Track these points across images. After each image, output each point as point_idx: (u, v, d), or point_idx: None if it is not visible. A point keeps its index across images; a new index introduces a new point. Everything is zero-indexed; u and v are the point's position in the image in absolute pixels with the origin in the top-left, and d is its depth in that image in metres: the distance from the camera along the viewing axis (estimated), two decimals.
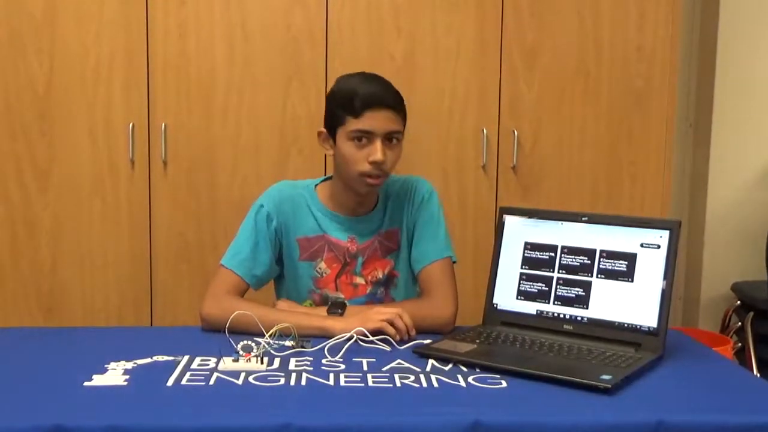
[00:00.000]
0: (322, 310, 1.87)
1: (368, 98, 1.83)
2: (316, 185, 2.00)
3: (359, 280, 1.96)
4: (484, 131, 2.94)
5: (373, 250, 1.97)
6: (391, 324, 1.73)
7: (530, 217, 1.84)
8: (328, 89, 2.83)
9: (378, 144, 1.84)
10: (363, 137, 1.83)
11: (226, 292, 1.88)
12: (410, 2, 2.88)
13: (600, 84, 2.98)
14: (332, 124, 1.88)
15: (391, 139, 1.85)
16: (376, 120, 1.83)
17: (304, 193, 1.97)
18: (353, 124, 1.83)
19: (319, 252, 1.95)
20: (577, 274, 1.75)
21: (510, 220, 1.86)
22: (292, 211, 1.94)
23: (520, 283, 1.81)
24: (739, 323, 3.36)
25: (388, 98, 1.85)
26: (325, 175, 2.72)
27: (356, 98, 1.82)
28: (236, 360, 1.55)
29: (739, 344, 3.30)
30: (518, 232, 1.84)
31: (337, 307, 1.86)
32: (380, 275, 1.98)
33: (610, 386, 1.41)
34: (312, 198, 1.96)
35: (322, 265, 1.95)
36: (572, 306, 1.74)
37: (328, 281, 1.96)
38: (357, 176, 1.86)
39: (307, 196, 1.97)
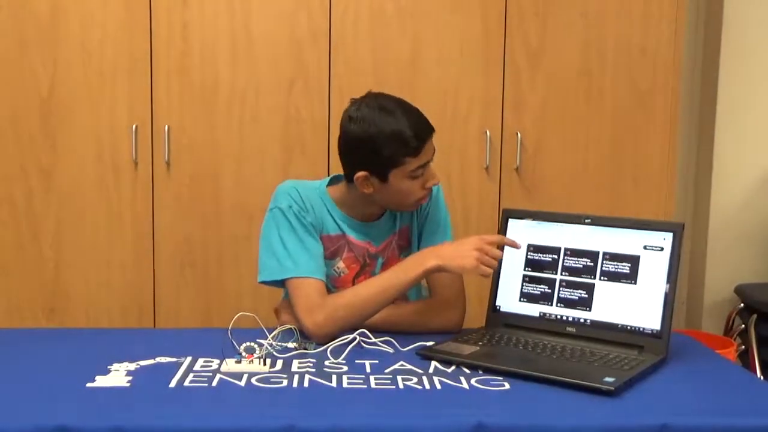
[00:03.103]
0: None
1: (422, 134, 1.79)
2: (325, 187, 1.98)
3: None
4: (488, 133, 2.94)
5: (391, 250, 1.97)
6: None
7: (533, 219, 1.84)
8: (332, 93, 2.88)
9: (432, 169, 1.85)
10: (421, 170, 1.82)
11: (319, 298, 1.79)
12: (414, 4, 2.88)
13: (604, 86, 2.98)
14: (382, 166, 1.80)
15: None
16: (429, 149, 1.83)
17: (318, 193, 1.94)
18: (414, 163, 1.79)
19: (339, 251, 1.93)
20: (580, 277, 1.75)
21: (513, 222, 1.86)
22: (313, 209, 1.90)
23: (522, 285, 1.81)
24: (743, 326, 3.35)
25: (429, 123, 1.84)
26: (328, 175, 2.72)
27: (412, 138, 1.77)
28: (239, 361, 1.55)
29: (743, 347, 3.29)
30: (521, 234, 1.84)
31: None
32: None
33: (613, 389, 1.41)
34: (327, 200, 1.94)
35: (341, 264, 1.93)
36: (575, 308, 1.74)
37: (345, 281, 1.94)
38: (413, 203, 1.87)
39: (322, 196, 1.94)
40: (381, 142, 1.77)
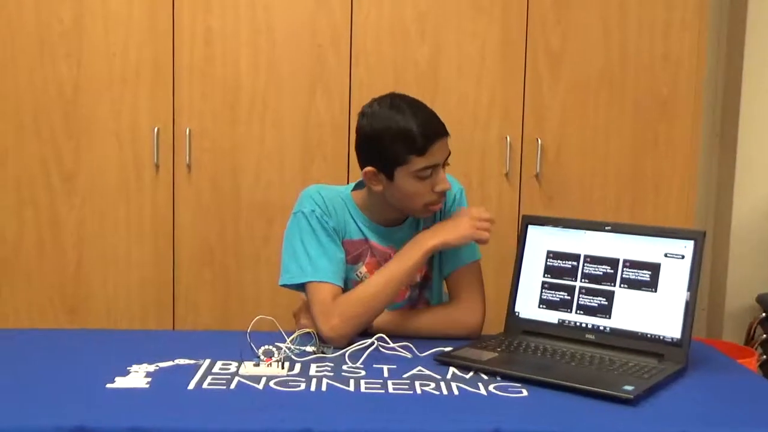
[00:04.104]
0: None
1: (430, 134, 1.79)
2: (350, 191, 1.98)
3: None
4: (508, 139, 2.93)
5: None
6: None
7: (553, 226, 1.84)
8: (353, 97, 2.88)
9: (442, 173, 1.84)
10: (428, 170, 1.81)
11: (334, 302, 1.80)
12: (435, 8, 2.88)
13: (625, 92, 2.97)
14: (388, 163, 1.80)
15: (445, 162, 1.86)
16: (439, 152, 1.82)
17: (342, 197, 1.95)
18: (419, 163, 1.79)
19: (361, 256, 1.93)
20: (599, 284, 1.74)
21: (533, 229, 1.86)
22: (336, 213, 1.91)
23: (542, 292, 1.81)
24: (764, 335, 3.32)
25: (442, 126, 1.83)
26: (348, 180, 2.73)
27: (419, 136, 1.77)
28: (257, 365, 1.56)
29: (764, 356, 3.26)
30: (541, 240, 1.83)
31: None
32: (418, 279, 1.97)
33: (632, 397, 1.40)
34: (351, 204, 1.95)
35: (363, 269, 1.93)
36: (595, 315, 1.73)
37: None
38: (421, 207, 1.86)
39: (346, 201, 1.95)
40: (387, 138, 1.79)
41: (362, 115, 1.86)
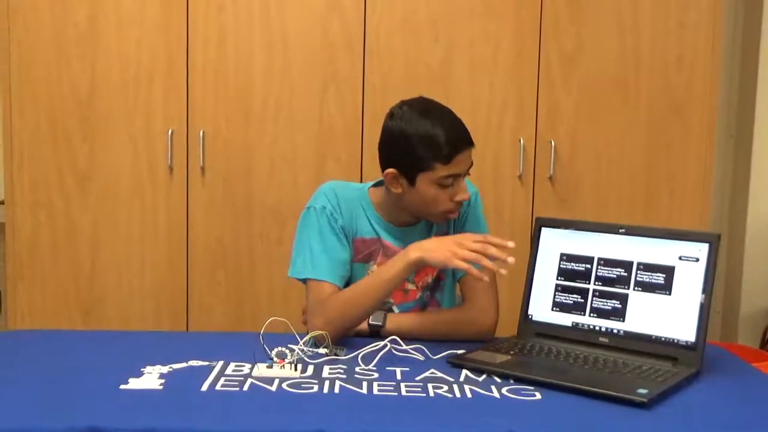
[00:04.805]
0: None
1: (456, 143, 1.79)
2: (368, 189, 1.98)
3: (410, 286, 1.95)
4: (521, 141, 2.92)
5: None
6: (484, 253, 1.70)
7: (566, 228, 1.83)
8: (366, 98, 2.89)
9: (463, 183, 1.84)
10: (450, 179, 1.81)
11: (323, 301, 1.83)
12: (448, 10, 2.88)
13: (639, 94, 2.95)
14: (412, 167, 1.80)
15: (467, 171, 1.86)
16: (464, 161, 1.82)
17: (358, 195, 1.95)
18: (443, 171, 1.78)
19: (373, 255, 1.93)
20: (613, 286, 1.73)
21: (546, 231, 1.85)
22: (348, 211, 1.92)
23: (555, 295, 1.80)
24: None
25: (469, 136, 1.83)
26: (361, 182, 2.73)
27: (445, 145, 1.77)
28: (270, 366, 1.56)
29: None
30: (554, 243, 1.83)
31: (377, 319, 1.85)
32: (429, 280, 1.97)
33: (646, 400, 1.39)
34: (366, 202, 1.95)
35: (375, 268, 1.93)
36: (608, 318, 1.73)
37: None
38: (438, 214, 1.86)
39: (361, 198, 1.95)
40: (414, 142, 1.78)
41: (391, 115, 1.85)
